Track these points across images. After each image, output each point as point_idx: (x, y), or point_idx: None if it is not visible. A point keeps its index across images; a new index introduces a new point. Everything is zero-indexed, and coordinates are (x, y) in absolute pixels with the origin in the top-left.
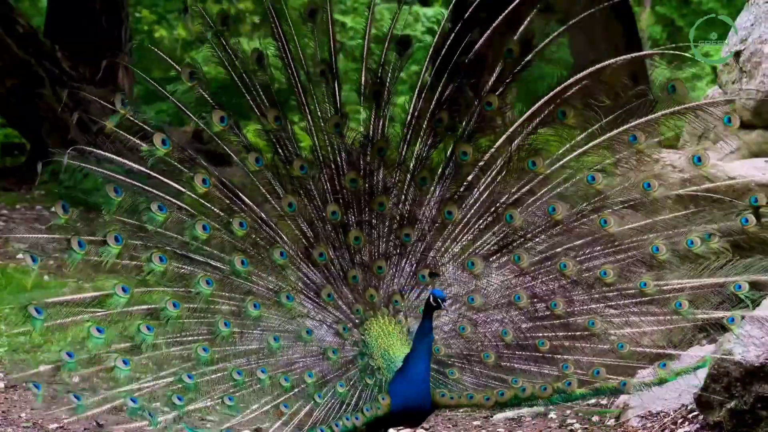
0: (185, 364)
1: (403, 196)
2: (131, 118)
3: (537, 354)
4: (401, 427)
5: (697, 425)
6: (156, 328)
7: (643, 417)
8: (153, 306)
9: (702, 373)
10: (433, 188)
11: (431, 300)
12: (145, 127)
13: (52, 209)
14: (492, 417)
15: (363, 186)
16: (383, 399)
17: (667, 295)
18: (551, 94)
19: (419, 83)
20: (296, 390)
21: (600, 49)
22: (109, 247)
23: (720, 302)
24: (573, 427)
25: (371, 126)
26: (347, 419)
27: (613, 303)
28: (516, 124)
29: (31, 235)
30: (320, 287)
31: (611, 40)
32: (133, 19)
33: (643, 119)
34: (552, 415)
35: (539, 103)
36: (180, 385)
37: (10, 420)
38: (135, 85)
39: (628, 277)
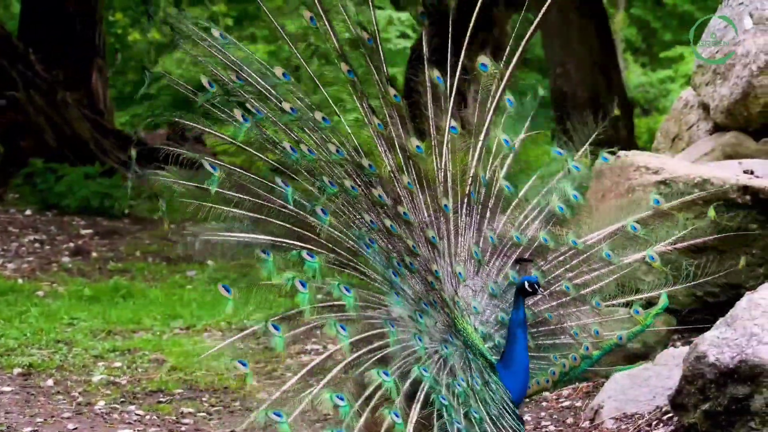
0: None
1: (410, 200)
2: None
3: (552, 327)
4: None
5: (672, 427)
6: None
7: (617, 419)
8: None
9: (677, 374)
10: (423, 183)
11: (527, 287)
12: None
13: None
14: None
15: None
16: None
17: (595, 249)
18: None
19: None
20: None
21: (574, 51)
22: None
23: (630, 245)
24: (548, 429)
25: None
26: (512, 418)
27: (567, 266)
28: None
29: (227, 341)
30: (427, 294)
31: (585, 42)
32: (106, 22)
33: None
34: (527, 417)
35: None
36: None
37: None
38: (109, 89)
39: (560, 240)
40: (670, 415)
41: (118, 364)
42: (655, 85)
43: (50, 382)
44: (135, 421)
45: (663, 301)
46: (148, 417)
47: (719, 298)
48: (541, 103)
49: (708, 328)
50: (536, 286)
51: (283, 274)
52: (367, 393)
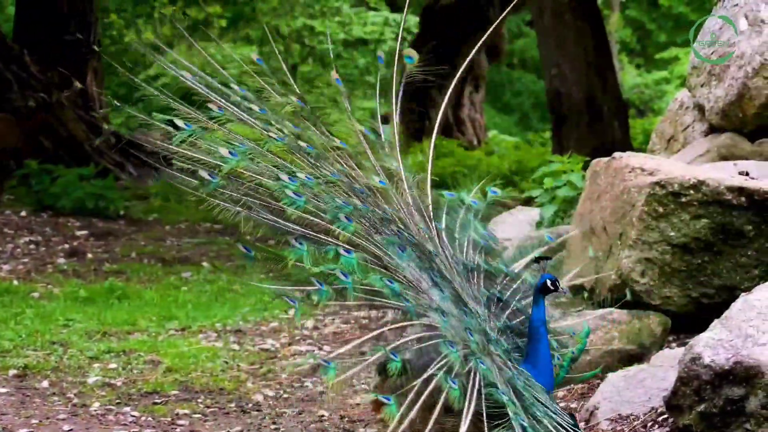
0: None
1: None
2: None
3: None
4: None
5: (667, 428)
6: None
7: (612, 420)
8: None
9: (672, 376)
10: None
11: (549, 285)
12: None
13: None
14: None
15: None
16: None
17: (522, 276)
18: None
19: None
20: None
21: (569, 52)
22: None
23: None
24: None
25: None
26: (566, 415)
27: (511, 289)
28: None
29: (275, 287)
30: (458, 299)
31: (580, 43)
32: (101, 23)
33: None
34: None
35: None
36: None
37: None
38: (104, 90)
39: (495, 267)
40: (665, 416)
41: (113, 366)
42: (650, 87)
43: (45, 383)
44: (130, 422)
45: (585, 327)
46: (143, 418)
47: (714, 299)
48: (537, 103)
49: (703, 330)
50: (557, 284)
51: (327, 265)
52: (427, 373)
